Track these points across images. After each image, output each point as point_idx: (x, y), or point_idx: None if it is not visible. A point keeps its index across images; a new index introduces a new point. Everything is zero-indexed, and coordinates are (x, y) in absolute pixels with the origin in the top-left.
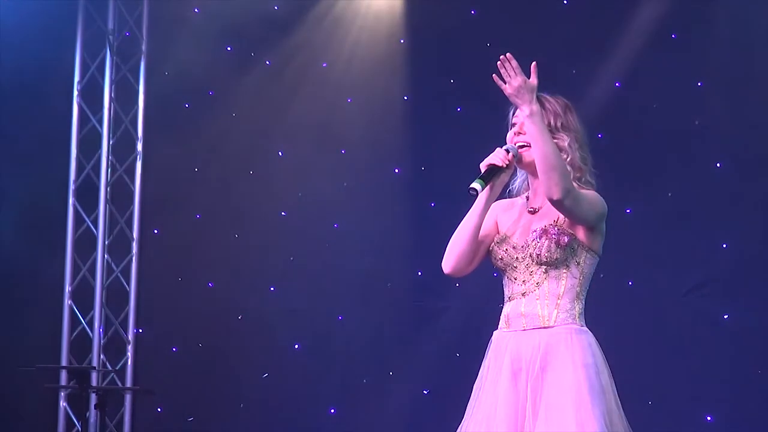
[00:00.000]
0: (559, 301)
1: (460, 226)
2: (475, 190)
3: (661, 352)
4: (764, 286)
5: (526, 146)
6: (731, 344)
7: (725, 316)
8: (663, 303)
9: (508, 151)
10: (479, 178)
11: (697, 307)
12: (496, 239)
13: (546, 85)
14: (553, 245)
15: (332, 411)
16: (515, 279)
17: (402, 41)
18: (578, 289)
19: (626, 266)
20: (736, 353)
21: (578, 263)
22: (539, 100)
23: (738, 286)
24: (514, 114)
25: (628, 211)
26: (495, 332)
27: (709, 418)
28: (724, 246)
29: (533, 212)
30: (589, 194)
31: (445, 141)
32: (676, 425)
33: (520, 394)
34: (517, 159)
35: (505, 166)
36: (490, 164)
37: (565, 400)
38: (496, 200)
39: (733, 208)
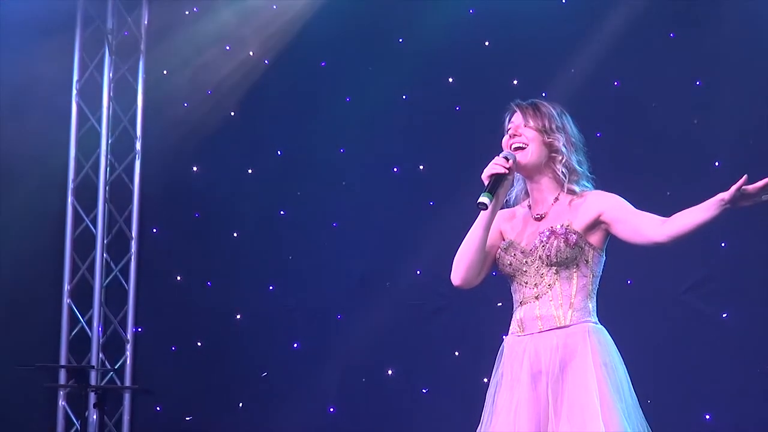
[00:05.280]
0: (572, 301)
1: (467, 237)
2: (485, 204)
3: (659, 350)
4: (763, 285)
5: (522, 148)
6: (730, 343)
7: (724, 315)
8: (662, 302)
9: (507, 158)
10: (485, 191)
11: (696, 306)
12: (502, 246)
13: (545, 84)
14: (562, 244)
15: (331, 410)
16: (526, 283)
17: (401, 40)
18: (590, 287)
19: (625, 265)
20: (734, 352)
21: (587, 261)
22: (535, 105)
23: (737, 285)
24: (509, 120)
25: None
26: (507, 338)
27: (707, 417)
28: (723, 245)
29: (539, 219)
30: (625, 201)
31: (444, 140)
32: (675, 424)
33: (541, 396)
34: (516, 164)
35: (507, 171)
36: (493, 174)
37: (586, 399)
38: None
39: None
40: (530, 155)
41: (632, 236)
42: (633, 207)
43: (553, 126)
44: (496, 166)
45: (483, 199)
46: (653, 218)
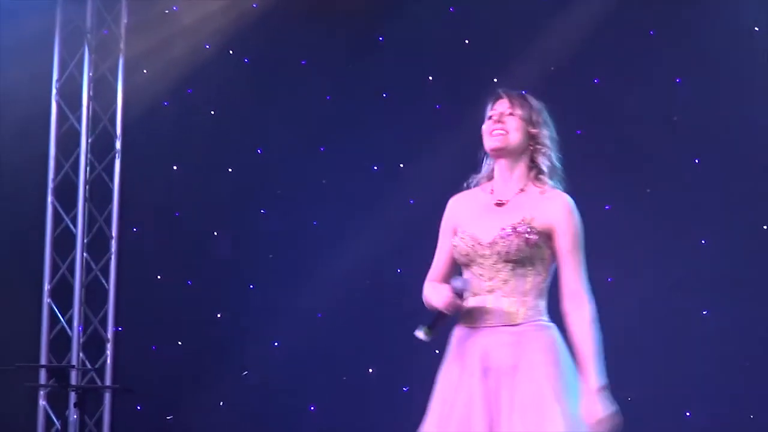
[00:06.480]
0: (525, 298)
1: (430, 296)
2: (422, 338)
3: (640, 348)
4: (743, 282)
5: (503, 134)
6: (711, 340)
7: (704, 312)
8: (643, 299)
9: (460, 293)
10: (427, 326)
11: (677, 303)
12: (460, 235)
13: (526, 82)
14: (522, 243)
15: (312, 408)
16: (481, 275)
17: (381, 39)
18: (543, 285)
19: (606, 263)
20: (715, 349)
21: (543, 260)
22: (523, 96)
23: (717, 283)
24: (492, 107)
25: (607, 207)
26: (458, 327)
27: (688, 414)
28: (703, 242)
29: (500, 204)
30: (577, 237)
31: (424, 138)
32: (656, 421)
33: (492, 392)
34: (499, 150)
35: (453, 314)
36: (442, 312)
37: (540, 397)
38: (456, 194)
39: (712, 204)
40: (512, 141)
41: (559, 277)
42: (579, 252)
43: (540, 119)
44: (448, 306)
45: (421, 334)
46: (571, 286)
